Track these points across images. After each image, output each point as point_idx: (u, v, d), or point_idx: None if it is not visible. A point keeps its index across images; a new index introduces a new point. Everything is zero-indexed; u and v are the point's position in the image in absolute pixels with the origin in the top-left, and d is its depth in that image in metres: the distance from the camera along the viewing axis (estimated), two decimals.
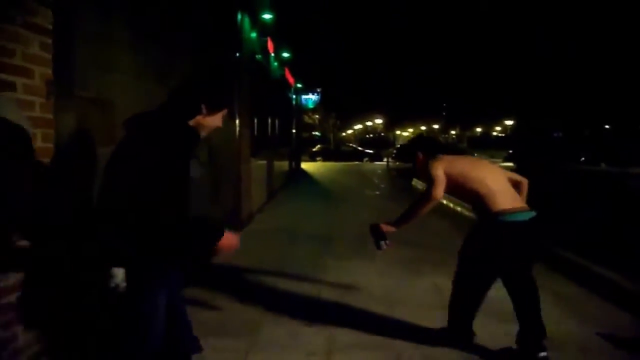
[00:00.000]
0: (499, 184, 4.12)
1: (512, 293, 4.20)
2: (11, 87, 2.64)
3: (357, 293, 5.55)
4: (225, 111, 2.78)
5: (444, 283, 5.95)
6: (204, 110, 2.64)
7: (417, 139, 5.21)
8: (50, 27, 2.96)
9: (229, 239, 2.63)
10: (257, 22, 11.29)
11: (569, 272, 6.40)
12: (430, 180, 4.08)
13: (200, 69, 2.77)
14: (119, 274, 2.56)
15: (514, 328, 4.18)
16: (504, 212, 3.94)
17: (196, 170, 2.69)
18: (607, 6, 40.76)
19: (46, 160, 2.92)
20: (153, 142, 2.44)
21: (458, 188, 4.19)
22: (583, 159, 36.03)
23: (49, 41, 2.95)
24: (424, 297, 5.50)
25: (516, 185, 4.34)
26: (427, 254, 7.34)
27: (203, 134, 2.73)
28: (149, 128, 2.53)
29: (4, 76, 2.58)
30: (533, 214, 4.10)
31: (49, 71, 2.96)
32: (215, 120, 2.73)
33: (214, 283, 5.72)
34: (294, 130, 23.76)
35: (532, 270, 4.20)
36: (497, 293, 4.43)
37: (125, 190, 2.43)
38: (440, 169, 4.09)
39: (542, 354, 3.91)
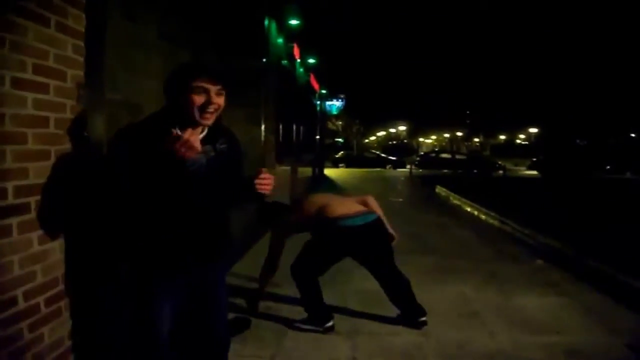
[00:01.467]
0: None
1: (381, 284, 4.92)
2: (44, 89, 2.65)
3: (381, 301, 5.48)
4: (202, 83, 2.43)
5: (470, 291, 5.89)
6: (193, 83, 2.41)
7: None
8: (83, 29, 2.97)
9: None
10: (283, 28, 11.31)
11: (598, 281, 6.28)
12: None
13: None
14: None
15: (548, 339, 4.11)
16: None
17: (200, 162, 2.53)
18: (633, 16, 40.19)
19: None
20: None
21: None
22: (608, 167, 35.57)
23: (82, 44, 2.96)
24: (449, 306, 5.42)
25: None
26: (452, 263, 7.26)
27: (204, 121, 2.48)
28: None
29: (37, 78, 2.59)
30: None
31: (81, 74, 2.97)
32: (215, 99, 2.46)
33: (237, 289, 5.70)
34: (317, 137, 23.74)
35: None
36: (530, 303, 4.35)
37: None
38: None
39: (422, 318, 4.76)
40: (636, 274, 6.05)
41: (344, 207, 4.76)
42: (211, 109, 2.45)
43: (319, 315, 4.76)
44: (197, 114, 2.43)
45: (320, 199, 4.95)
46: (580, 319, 5.04)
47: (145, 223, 2.53)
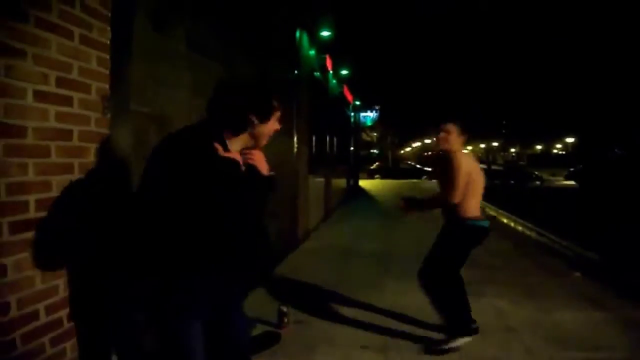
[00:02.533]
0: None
1: None
2: (68, 101, 2.63)
3: (414, 315, 5.36)
4: (278, 113, 2.58)
5: (506, 305, 5.72)
6: (256, 121, 2.46)
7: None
8: (108, 42, 2.96)
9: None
10: (315, 40, 11.29)
11: (638, 296, 6.04)
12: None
13: (237, 81, 2.56)
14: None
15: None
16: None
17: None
18: None
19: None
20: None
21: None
22: None
23: (107, 56, 2.95)
24: (486, 320, 5.25)
25: None
26: (488, 275, 7.07)
27: (263, 142, 2.56)
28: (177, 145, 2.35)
29: (61, 91, 2.58)
30: None
31: (106, 86, 2.96)
32: (270, 126, 2.54)
33: (269, 300, 5.64)
34: (352, 148, 23.66)
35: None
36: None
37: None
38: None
39: None
40: None
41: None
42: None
43: (466, 320, 4.58)
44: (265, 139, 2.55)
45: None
46: (620, 334, 4.82)
47: (187, 241, 2.34)
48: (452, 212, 4.56)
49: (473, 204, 4.51)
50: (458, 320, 4.54)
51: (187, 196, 2.23)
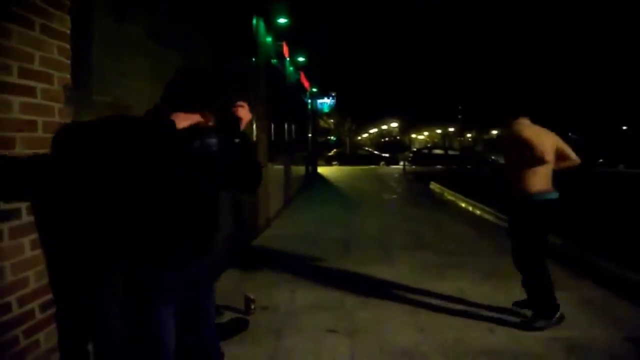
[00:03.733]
0: None
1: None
2: (31, 92, 2.61)
3: (380, 298, 5.47)
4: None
5: (468, 287, 5.87)
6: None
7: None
8: (68, 31, 2.93)
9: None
10: (272, 27, 11.26)
11: (597, 276, 6.27)
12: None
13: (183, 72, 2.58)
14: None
15: None
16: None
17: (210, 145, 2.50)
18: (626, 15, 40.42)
19: None
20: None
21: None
22: (601, 160, 35.67)
23: (67, 46, 2.92)
24: (448, 302, 5.39)
25: None
26: (449, 258, 7.25)
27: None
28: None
29: (24, 81, 2.55)
30: None
31: (67, 76, 2.93)
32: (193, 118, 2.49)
33: (234, 288, 5.67)
34: (310, 135, 23.71)
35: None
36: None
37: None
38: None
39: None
40: (635, 268, 6.06)
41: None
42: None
43: (553, 304, 4.67)
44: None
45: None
46: (580, 313, 5.02)
47: (148, 217, 2.38)
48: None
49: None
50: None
51: (149, 171, 2.31)
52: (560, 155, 4.59)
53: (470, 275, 6.34)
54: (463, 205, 14.24)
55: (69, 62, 2.93)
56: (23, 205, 2.59)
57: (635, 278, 5.86)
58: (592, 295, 5.62)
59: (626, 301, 5.38)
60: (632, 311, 5.12)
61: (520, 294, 5.05)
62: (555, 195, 4.58)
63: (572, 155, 4.65)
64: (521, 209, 4.63)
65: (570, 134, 51.99)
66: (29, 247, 2.64)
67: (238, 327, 4.58)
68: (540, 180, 4.50)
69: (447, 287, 5.89)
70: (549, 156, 4.40)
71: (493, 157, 40.02)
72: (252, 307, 4.97)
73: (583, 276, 6.32)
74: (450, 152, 43.99)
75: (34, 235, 2.67)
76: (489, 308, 5.15)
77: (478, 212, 12.59)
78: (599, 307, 5.22)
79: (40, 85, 2.68)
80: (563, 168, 4.66)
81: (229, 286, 5.80)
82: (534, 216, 4.55)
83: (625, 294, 5.54)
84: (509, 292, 5.54)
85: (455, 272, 6.46)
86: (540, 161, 4.38)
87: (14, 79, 2.49)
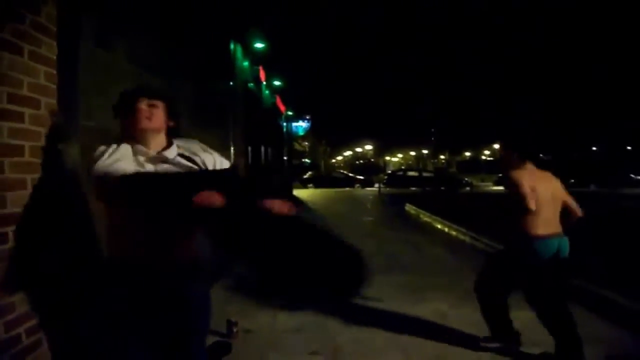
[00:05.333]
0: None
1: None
2: (19, 117, 2.63)
3: (361, 321, 5.49)
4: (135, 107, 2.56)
5: (447, 309, 5.92)
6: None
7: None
8: (55, 57, 2.96)
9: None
10: (249, 51, 11.37)
11: (573, 294, 6.36)
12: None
13: None
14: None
15: None
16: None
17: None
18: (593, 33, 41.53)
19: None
20: None
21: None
22: (572, 181, 36.23)
23: (54, 72, 2.95)
24: (429, 324, 5.44)
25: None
26: (428, 280, 7.30)
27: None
28: None
29: (12, 107, 2.57)
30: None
31: (54, 101, 2.95)
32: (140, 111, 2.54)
33: (216, 311, 5.64)
34: (285, 158, 23.78)
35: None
36: None
37: None
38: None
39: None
40: (612, 286, 6.16)
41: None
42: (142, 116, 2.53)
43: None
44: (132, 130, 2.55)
45: None
46: None
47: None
48: None
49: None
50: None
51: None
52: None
53: (450, 296, 6.39)
54: (439, 226, 14.35)
55: (55, 87, 2.96)
56: (9, 229, 2.59)
57: (612, 296, 5.96)
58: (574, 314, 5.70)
59: (605, 319, 5.47)
60: (611, 329, 5.21)
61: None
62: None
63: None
64: None
65: (540, 154, 52.84)
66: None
67: (221, 351, 4.57)
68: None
69: (427, 308, 5.94)
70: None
71: (467, 179, 40.42)
72: (235, 330, 4.96)
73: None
74: (425, 174, 44.31)
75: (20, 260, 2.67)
76: (470, 329, 5.19)
77: (454, 233, 12.70)
78: (580, 326, 5.29)
79: (28, 111, 2.70)
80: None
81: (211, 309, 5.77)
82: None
83: (602, 312, 5.64)
84: None
85: (435, 293, 6.51)
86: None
87: (3, 104, 2.52)
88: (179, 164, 2.52)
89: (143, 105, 2.54)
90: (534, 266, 4.51)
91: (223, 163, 2.66)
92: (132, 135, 2.52)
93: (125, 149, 2.46)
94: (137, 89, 2.63)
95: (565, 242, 4.55)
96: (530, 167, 4.60)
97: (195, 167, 2.55)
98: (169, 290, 2.54)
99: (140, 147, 2.49)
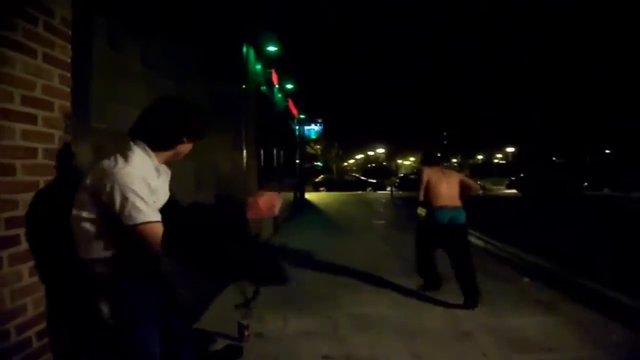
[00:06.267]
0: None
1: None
2: (33, 119, 2.63)
3: (374, 325, 5.46)
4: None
5: (460, 311, 5.88)
6: (185, 140, 2.70)
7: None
8: (69, 60, 2.97)
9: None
10: (262, 54, 11.37)
11: (586, 298, 6.31)
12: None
13: (171, 101, 2.71)
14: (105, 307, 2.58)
15: None
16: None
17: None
18: (614, 29, 41.26)
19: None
20: None
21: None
22: (586, 184, 35.97)
23: (68, 74, 2.95)
24: (441, 327, 5.40)
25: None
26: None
27: (178, 158, 2.80)
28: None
29: (26, 109, 2.58)
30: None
31: (68, 104, 2.95)
32: (188, 148, 2.78)
33: (227, 315, 5.64)
34: (297, 161, 23.76)
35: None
36: None
37: None
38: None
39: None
40: (624, 289, 6.11)
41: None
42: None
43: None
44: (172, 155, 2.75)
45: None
46: (571, 335, 5.05)
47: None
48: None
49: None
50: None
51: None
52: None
53: (462, 300, 6.34)
54: None
55: (69, 90, 2.96)
56: (22, 231, 2.59)
57: (624, 300, 5.91)
58: (582, 317, 5.65)
59: (616, 323, 5.41)
60: (621, 333, 5.15)
61: (512, 319, 5.07)
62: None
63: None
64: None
65: (553, 158, 52.54)
66: (27, 275, 2.64)
67: (232, 354, 4.56)
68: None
69: (440, 312, 5.90)
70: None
71: (479, 182, 40.21)
72: (246, 333, 4.94)
73: (571, 298, 6.36)
74: None
75: (31, 263, 2.67)
76: (484, 334, 5.15)
77: (472, 238, 12.62)
78: (590, 329, 5.25)
79: (41, 113, 2.71)
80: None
81: (222, 313, 5.78)
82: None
83: (615, 316, 5.58)
84: (502, 317, 5.57)
85: (448, 297, 6.46)
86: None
87: (16, 106, 2.52)
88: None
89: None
90: (433, 228, 6.46)
91: None
92: (164, 153, 2.69)
93: (149, 164, 2.60)
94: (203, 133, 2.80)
95: (459, 212, 6.45)
96: (434, 167, 6.78)
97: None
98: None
99: (161, 167, 2.73)
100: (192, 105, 2.75)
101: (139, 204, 2.36)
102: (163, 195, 2.71)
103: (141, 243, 2.39)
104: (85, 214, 2.44)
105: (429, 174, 6.60)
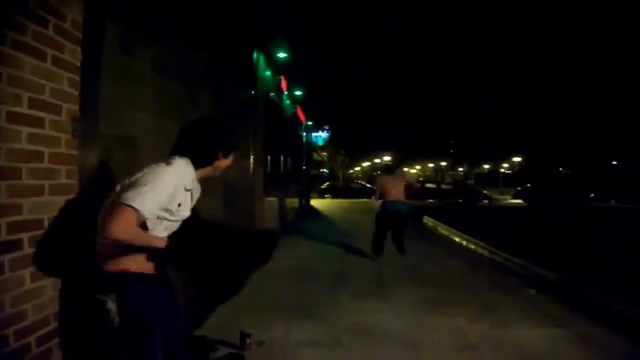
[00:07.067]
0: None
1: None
2: (40, 123, 2.61)
3: (377, 334, 5.42)
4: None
5: (466, 324, 5.82)
6: (221, 156, 2.86)
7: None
8: (78, 63, 2.95)
9: None
10: (271, 61, 11.37)
11: (593, 311, 6.25)
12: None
13: (205, 121, 2.80)
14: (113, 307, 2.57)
15: None
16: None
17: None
18: (621, 44, 41.17)
19: (70, 196, 2.88)
20: None
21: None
22: (592, 195, 35.77)
23: (77, 78, 2.94)
24: (446, 339, 5.35)
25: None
26: (445, 294, 7.20)
27: (217, 174, 2.99)
28: None
29: (33, 112, 2.56)
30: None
31: (76, 107, 2.94)
32: (228, 162, 2.95)
33: (230, 322, 5.60)
34: (304, 168, 23.74)
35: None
36: None
37: None
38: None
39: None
40: (630, 302, 6.04)
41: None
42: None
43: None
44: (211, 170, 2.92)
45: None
46: (578, 349, 4.99)
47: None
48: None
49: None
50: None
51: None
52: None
53: (469, 311, 6.30)
54: (457, 239, 14.22)
55: (77, 93, 2.94)
56: (25, 236, 2.57)
57: (631, 313, 5.84)
58: (589, 330, 5.59)
59: (621, 336, 5.37)
60: (629, 348, 5.09)
61: (517, 331, 5.03)
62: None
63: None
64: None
65: (560, 168, 52.34)
66: (29, 280, 2.61)
67: None
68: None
69: (445, 323, 5.85)
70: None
71: (485, 192, 40.09)
72: (248, 342, 4.90)
73: (578, 311, 6.30)
74: (443, 186, 43.98)
75: (33, 267, 2.64)
76: (489, 346, 5.10)
77: (472, 246, 12.57)
78: (597, 343, 5.19)
79: (49, 116, 2.69)
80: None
81: (224, 320, 5.74)
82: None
83: (621, 329, 5.52)
84: (507, 329, 5.52)
85: (453, 308, 6.42)
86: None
87: (24, 109, 2.51)
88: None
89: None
90: (385, 216, 9.73)
91: None
92: (203, 169, 2.85)
93: (190, 175, 2.74)
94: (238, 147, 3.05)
95: (401, 204, 9.61)
96: (388, 175, 10.00)
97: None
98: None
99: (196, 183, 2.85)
100: (224, 123, 2.94)
101: (147, 195, 2.43)
102: (185, 210, 2.75)
103: (108, 219, 2.38)
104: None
105: (381, 180, 9.89)
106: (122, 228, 2.35)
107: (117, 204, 2.38)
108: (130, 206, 2.37)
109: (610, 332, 5.51)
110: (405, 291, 7.28)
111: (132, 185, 2.45)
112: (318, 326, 5.68)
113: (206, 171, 2.86)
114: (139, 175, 2.52)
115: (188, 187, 2.68)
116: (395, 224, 9.77)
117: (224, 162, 2.91)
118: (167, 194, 2.53)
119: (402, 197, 9.54)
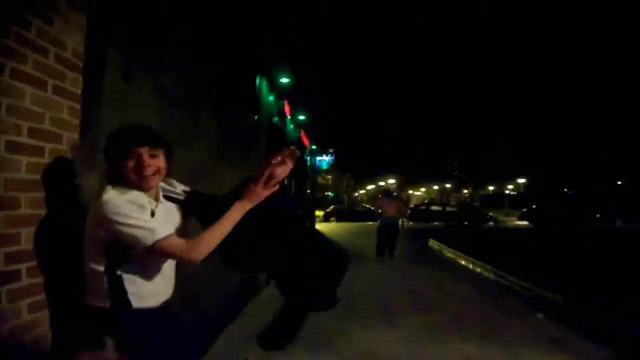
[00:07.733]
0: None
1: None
2: (40, 152, 2.59)
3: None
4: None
5: (473, 350, 5.74)
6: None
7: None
8: (79, 92, 2.94)
9: None
10: (274, 86, 11.42)
11: (602, 334, 6.16)
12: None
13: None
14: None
15: None
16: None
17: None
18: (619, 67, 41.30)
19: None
20: None
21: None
22: (598, 215, 35.63)
23: (77, 106, 2.93)
24: None
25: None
26: (451, 319, 7.12)
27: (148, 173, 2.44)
28: None
29: (32, 141, 2.54)
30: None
31: (76, 136, 2.92)
32: (142, 155, 2.40)
33: (232, 349, 5.54)
34: (308, 191, 23.73)
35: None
36: None
37: None
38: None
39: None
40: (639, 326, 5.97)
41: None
42: (148, 171, 2.40)
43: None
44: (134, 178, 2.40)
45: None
46: None
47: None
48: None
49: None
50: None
51: None
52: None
53: (475, 337, 6.21)
54: (463, 262, 14.14)
55: (78, 122, 2.93)
56: (23, 266, 2.53)
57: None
58: (599, 355, 5.52)
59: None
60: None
61: (525, 357, 4.95)
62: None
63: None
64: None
65: (565, 189, 52.15)
66: (25, 312, 2.57)
67: None
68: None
69: (452, 349, 5.76)
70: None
71: (490, 214, 39.96)
72: None
73: (587, 334, 6.22)
74: (448, 209, 43.91)
75: (32, 299, 2.60)
76: None
77: (478, 269, 12.48)
78: None
79: (49, 145, 2.67)
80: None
81: (228, 347, 5.67)
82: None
83: (633, 356, 5.44)
84: (515, 356, 5.44)
85: (459, 334, 6.34)
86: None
87: (23, 138, 2.49)
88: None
89: (146, 157, 2.40)
90: (382, 229, 13.93)
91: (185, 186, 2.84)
92: (131, 181, 2.40)
93: (144, 200, 2.42)
94: (139, 136, 2.45)
95: (394, 220, 14.05)
96: (386, 198, 14.61)
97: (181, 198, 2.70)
98: None
99: (150, 200, 2.48)
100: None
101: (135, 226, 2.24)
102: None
103: (178, 258, 2.39)
104: (91, 249, 2.39)
105: (379, 202, 14.79)
106: (191, 251, 2.33)
107: (155, 246, 2.25)
108: (162, 238, 2.26)
109: (619, 356, 5.43)
110: (410, 317, 7.20)
111: (128, 227, 2.24)
112: (324, 353, 5.60)
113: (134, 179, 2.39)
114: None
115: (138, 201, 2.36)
116: (389, 234, 14.00)
117: (129, 161, 2.38)
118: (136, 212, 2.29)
119: (395, 214, 14.08)
